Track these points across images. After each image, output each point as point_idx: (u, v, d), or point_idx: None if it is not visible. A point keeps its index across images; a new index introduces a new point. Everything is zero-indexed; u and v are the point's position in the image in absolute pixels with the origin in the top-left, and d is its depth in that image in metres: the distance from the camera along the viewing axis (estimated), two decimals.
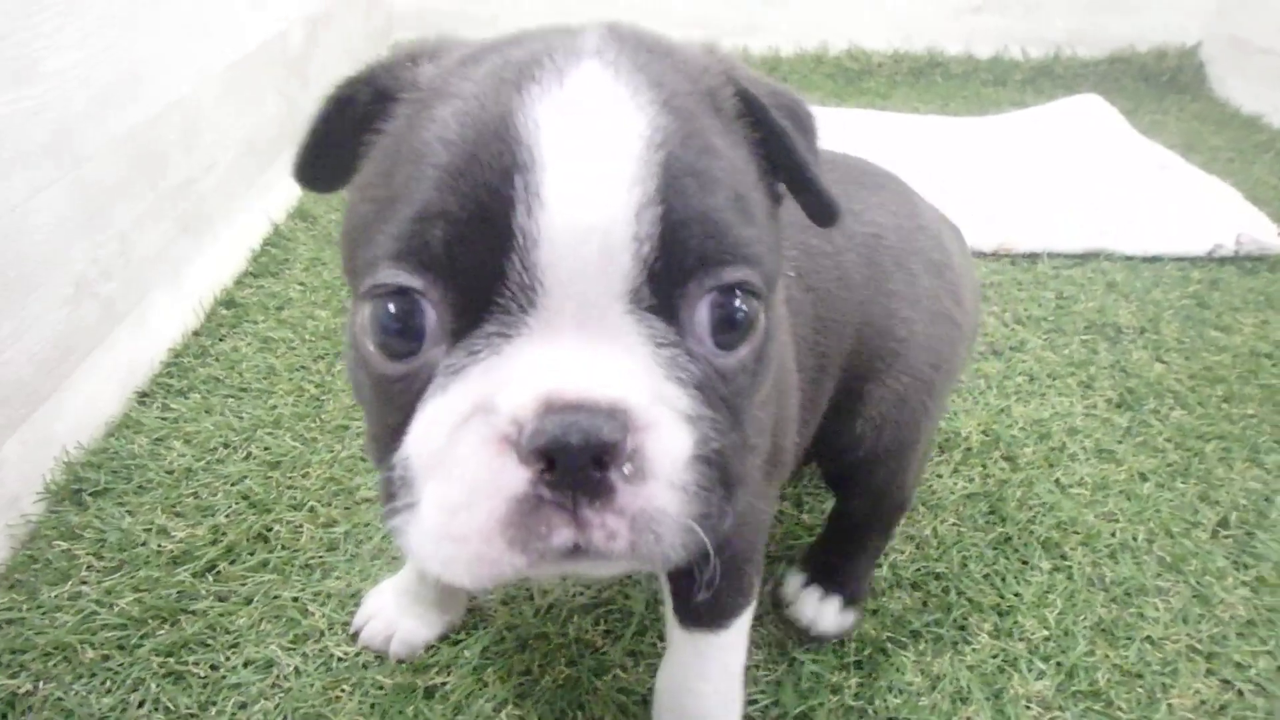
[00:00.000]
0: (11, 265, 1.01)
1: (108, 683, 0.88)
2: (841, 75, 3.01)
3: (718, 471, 0.46)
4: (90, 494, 1.12)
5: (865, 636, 0.94)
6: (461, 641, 0.94)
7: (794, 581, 0.97)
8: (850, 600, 0.94)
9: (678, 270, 0.44)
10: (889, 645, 0.94)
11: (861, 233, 0.86)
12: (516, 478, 0.42)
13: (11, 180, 1.00)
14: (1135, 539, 1.08)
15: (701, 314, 0.46)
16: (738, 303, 0.46)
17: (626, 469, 0.42)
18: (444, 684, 0.89)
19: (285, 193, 1.91)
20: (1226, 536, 1.10)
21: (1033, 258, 1.75)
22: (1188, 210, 1.84)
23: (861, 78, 3.00)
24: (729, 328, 0.47)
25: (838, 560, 0.96)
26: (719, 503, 0.46)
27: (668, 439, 0.43)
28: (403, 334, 0.46)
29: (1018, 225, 1.79)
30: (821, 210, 0.56)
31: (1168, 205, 1.87)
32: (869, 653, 0.93)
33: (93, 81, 1.15)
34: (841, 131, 2.31)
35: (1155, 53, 2.92)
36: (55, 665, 0.90)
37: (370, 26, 2.71)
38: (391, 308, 0.45)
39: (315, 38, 2.13)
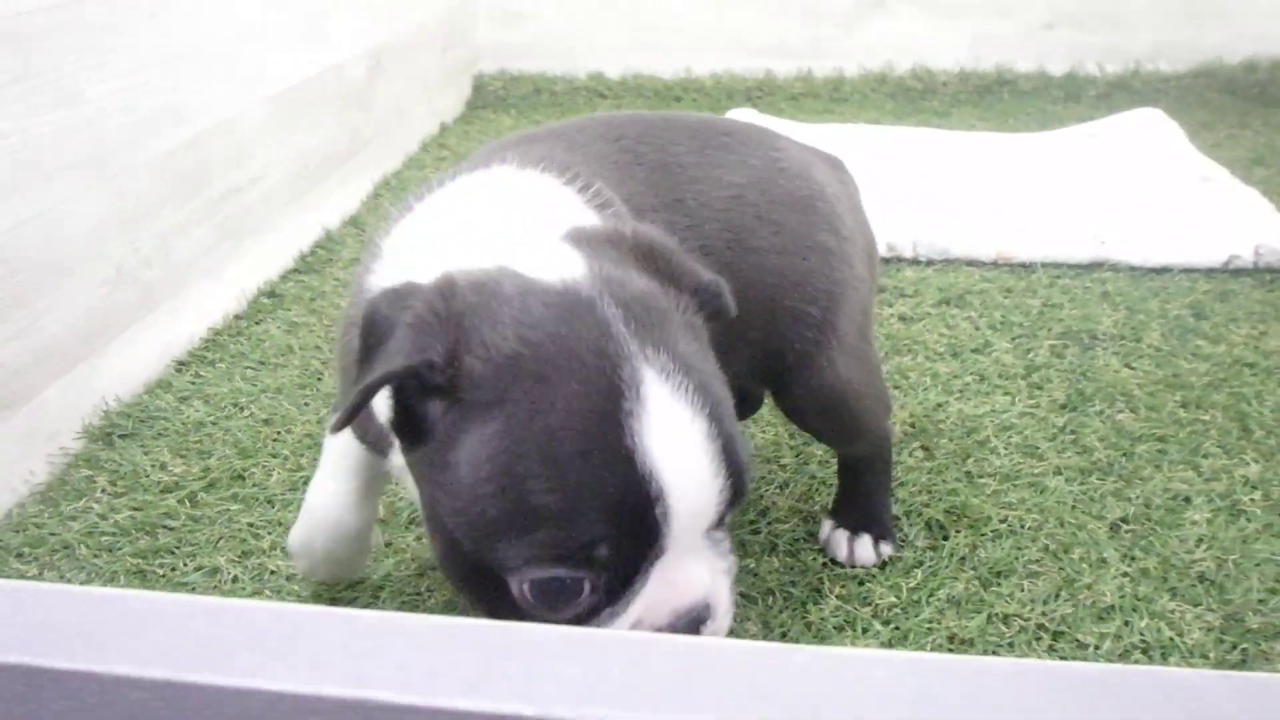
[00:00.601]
0: (51, 255, 1.28)
1: (92, 575, 1.10)
2: (903, 95, 3.05)
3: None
4: (119, 436, 1.37)
5: None
6: (371, 566, 1.10)
7: (825, 527, 1.12)
8: (879, 536, 1.08)
9: (732, 505, 0.64)
10: (741, 600, 1.02)
11: (721, 197, 0.93)
12: None
13: (52, 186, 1.27)
14: (1023, 525, 1.11)
15: None
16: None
17: (710, 623, 0.64)
18: (347, 595, 1.06)
19: (341, 203, 2.18)
20: (1127, 531, 1.11)
21: (1030, 266, 1.76)
22: (1210, 221, 1.80)
23: (924, 97, 3.03)
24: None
25: (851, 504, 1.10)
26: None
27: (726, 595, 0.66)
28: (566, 596, 0.60)
29: (1019, 234, 1.81)
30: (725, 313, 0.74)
31: (1191, 217, 1.83)
32: None
33: (132, 108, 1.42)
34: (861, 149, 2.37)
35: (1245, 65, 2.81)
36: (60, 559, 1.13)
37: (449, 59, 3.00)
38: (556, 587, 0.60)
39: (381, 68, 2.41)
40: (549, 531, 0.57)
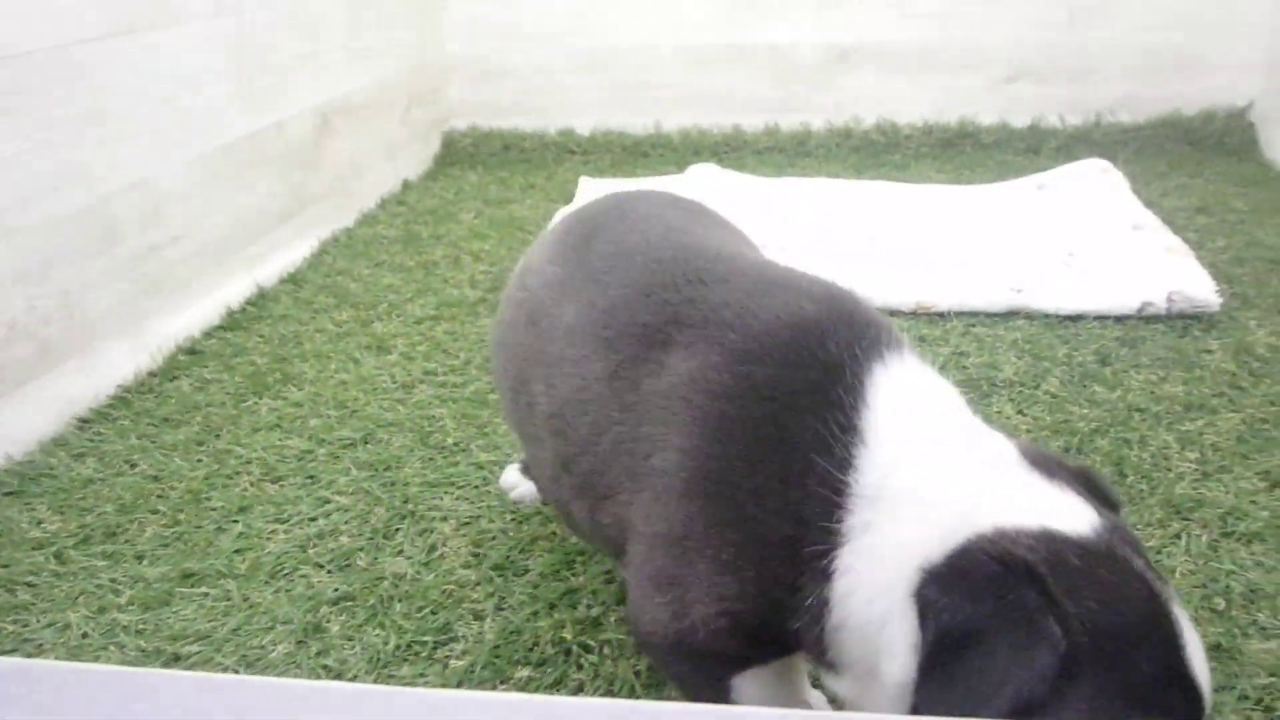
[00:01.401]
0: None
1: None
2: (867, 149, 3.13)
3: None
4: (4, 494, 1.42)
5: (554, 637, 1.06)
6: (221, 620, 1.14)
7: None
8: None
9: None
10: (578, 648, 1.05)
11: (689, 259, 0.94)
12: None
13: None
14: None
15: None
16: None
17: None
18: (189, 651, 1.10)
19: (281, 261, 2.27)
20: None
21: (947, 316, 1.80)
22: (1130, 269, 1.83)
23: (887, 151, 3.11)
24: None
25: None
26: None
27: None
28: None
29: (939, 285, 1.85)
30: None
31: (1112, 265, 1.87)
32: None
33: (30, 168, 1.52)
34: (809, 202, 2.44)
35: (1203, 115, 2.86)
36: None
37: (415, 116, 3.13)
38: None
39: (330, 126, 2.53)
40: None
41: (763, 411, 0.74)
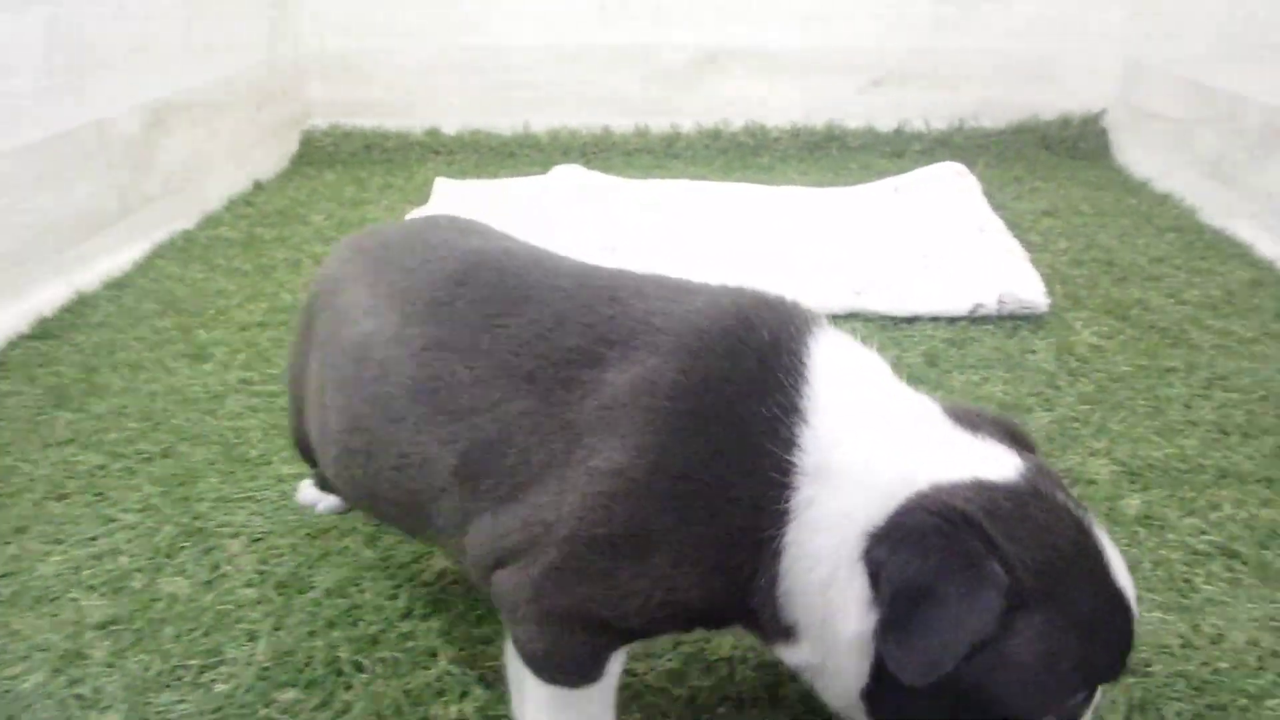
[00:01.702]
0: None
1: None
2: (735, 151, 3.19)
3: None
4: None
5: (328, 656, 1.04)
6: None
7: None
8: None
9: None
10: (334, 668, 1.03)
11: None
12: None
13: None
14: None
15: None
16: None
17: None
18: (19, 675, 1.03)
19: (105, 265, 2.17)
20: None
21: None
22: (965, 271, 1.90)
23: (755, 153, 3.17)
24: None
25: None
26: None
27: None
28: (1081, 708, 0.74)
29: (782, 287, 1.88)
30: None
31: (950, 267, 1.94)
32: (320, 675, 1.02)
33: None
34: (671, 205, 2.46)
35: (1059, 121, 3.01)
36: None
37: (268, 115, 3.04)
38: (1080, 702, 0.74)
39: (163, 125, 2.44)
40: (1099, 672, 0.73)
41: (711, 403, 0.77)
